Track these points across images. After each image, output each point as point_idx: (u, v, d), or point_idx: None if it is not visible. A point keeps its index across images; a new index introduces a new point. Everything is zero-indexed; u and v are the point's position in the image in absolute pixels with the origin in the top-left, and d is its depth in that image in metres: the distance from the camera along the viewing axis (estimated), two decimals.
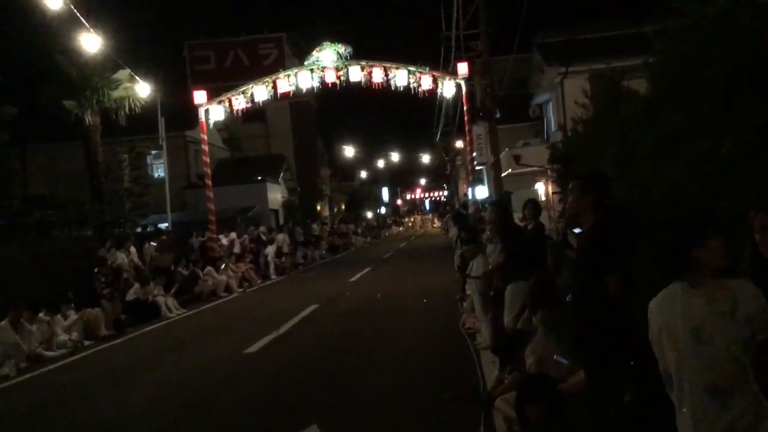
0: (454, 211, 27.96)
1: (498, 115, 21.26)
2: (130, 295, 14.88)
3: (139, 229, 22.77)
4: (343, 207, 63.97)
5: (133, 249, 17.32)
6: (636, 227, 4.62)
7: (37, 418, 7.64)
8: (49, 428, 7.18)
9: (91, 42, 17.89)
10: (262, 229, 26.82)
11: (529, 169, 23.21)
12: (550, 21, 26.74)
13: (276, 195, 38.42)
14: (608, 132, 7.33)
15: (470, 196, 26.82)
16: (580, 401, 4.58)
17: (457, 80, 21.42)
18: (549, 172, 18.02)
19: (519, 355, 6.20)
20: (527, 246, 7.19)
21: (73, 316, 12.46)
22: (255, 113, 30.48)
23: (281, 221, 36.19)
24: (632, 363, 4.09)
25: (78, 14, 15.29)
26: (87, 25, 16.34)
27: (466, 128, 22.65)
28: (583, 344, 4.59)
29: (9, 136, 17.49)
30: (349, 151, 61.26)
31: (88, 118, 21.21)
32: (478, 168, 26.81)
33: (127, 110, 21.68)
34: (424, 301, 8.30)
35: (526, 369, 5.84)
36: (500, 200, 9.37)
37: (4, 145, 17.49)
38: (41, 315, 11.63)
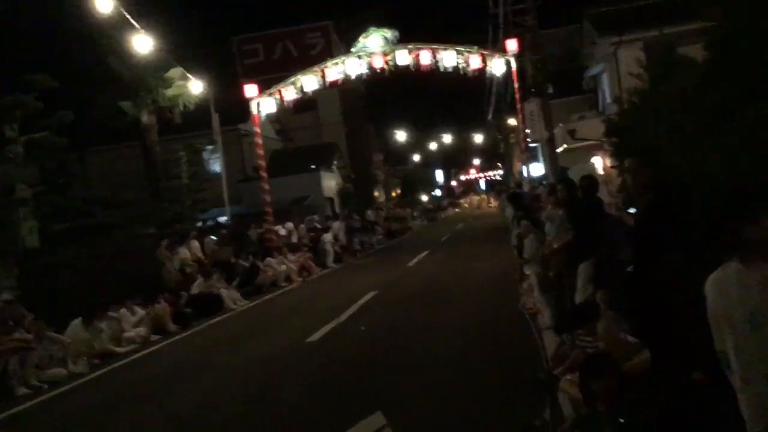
0: (510, 190, 27.63)
1: (550, 90, 20.89)
2: (194, 289, 15.20)
3: (199, 224, 23.24)
4: (398, 191, 63.95)
5: (195, 243, 17.67)
6: (690, 203, 4.49)
7: (112, 413, 7.89)
8: (123, 423, 7.39)
9: (142, 43, 18.25)
10: (315, 217, 27.02)
11: (584, 144, 22.74)
12: None
13: (330, 183, 38.65)
14: (663, 103, 7.11)
15: (525, 174, 26.48)
16: (648, 379, 4.48)
17: (507, 57, 21.10)
18: (605, 145, 17.66)
19: (582, 332, 6.10)
20: (598, 224, 6.98)
21: (140, 312, 12.81)
22: (305, 103, 30.64)
23: (337, 209, 36.42)
24: (694, 341, 3.96)
25: (128, 16, 15.57)
26: (137, 26, 16.65)
27: (518, 106, 22.33)
28: (645, 322, 4.48)
29: (68, 141, 17.99)
30: (400, 136, 61.13)
31: (144, 118, 21.73)
32: (532, 145, 26.45)
33: (181, 108, 22.12)
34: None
35: (592, 347, 5.75)
36: (569, 178, 9.14)
37: (63, 150, 18.00)
38: (110, 312, 11.99)
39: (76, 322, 11.03)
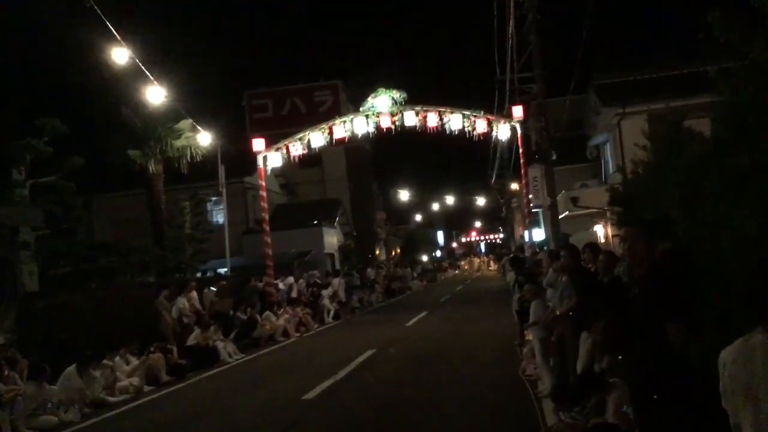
0: (512, 254, 27.64)
1: (554, 157, 21.09)
2: (191, 340, 15.08)
3: (199, 275, 23.19)
4: (399, 250, 63.93)
5: (194, 294, 17.60)
6: (699, 272, 4.48)
7: None
8: None
9: (155, 94, 18.55)
10: (316, 273, 26.98)
11: (587, 211, 22.86)
12: (606, 61, 26.56)
13: (332, 239, 38.68)
14: (671, 174, 7.19)
15: (527, 239, 26.52)
16: None
17: (512, 123, 21.41)
18: (608, 214, 17.74)
19: (583, 402, 6.04)
20: (601, 292, 6.98)
21: (134, 361, 12.67)
22: (311, 159, 31.00)
23: (337, 265, 36.36)
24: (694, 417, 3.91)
25: (143, 67, 15.88)
26: (152, 78, 16.95)
27: (522, 171, 22.54)
28: (638, 394, 4.43)
29: (75, 186, 18.13)
30: (403, 195, 61.46)
31: (152, 167, 21.94)
32: (534, 210, 26.55)
33: (188, 158, 22.33)
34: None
35: (591, 416, 5.69)
36: (573, 245, 9.15)
37: (71, 194, 18.11)
38: (105, 361, 11.87)
39: (71, 369, 10.89)
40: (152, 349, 13.39)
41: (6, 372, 10.52)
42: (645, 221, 4.68)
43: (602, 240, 21.64)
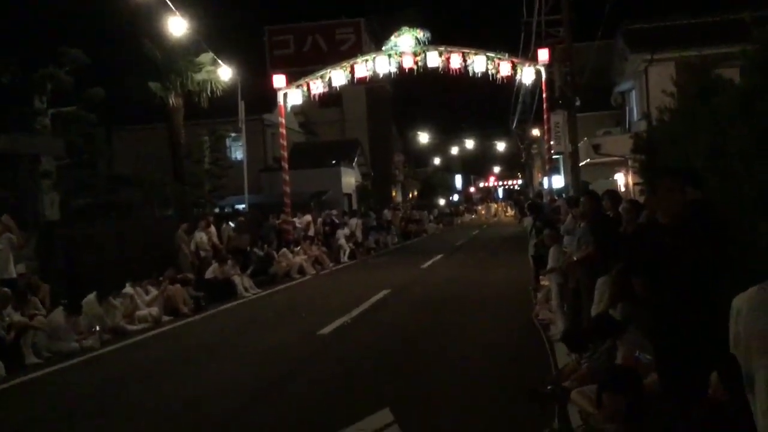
0: (530, 200, 27.54)
1: (578, 103, 20.77)
2: (209, 274, 15.28)
3: (217, 210, 23.34)
4: (416, 193, 63.91)
5: (212, 229, 17.75)
6: (723, 224, 4.42)
7: (117, 391, 7.90)
8: (127, 402, 7.41)
9: (177, 26, 18.37)
10: (334, 212, 27.08)
11: (608, 159, 22.63)
12: (635, 6, 25.85)
13: (350, 179, 38.68)
14: (698, 123, 7.04)
15: (546, 186, 26.37)
16: (661, 398, 4.45)
17: (537, 67, 21.04)
18: (630, 162, 17.53)
19: (596, 346, 6.06)
20: (620, 238, 6.93)
21: (153, 292, 12.88)
22: (331, 98, 30.77)
23: (354, 206, 36.44)
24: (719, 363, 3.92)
25: None
26: (173, 8, 16.75)
27: (545, 116, 22.28)
28: (664, 342, 4.42)
29: (96, 118, 18.13)
30: (423, 138, 61.07)
31: (172, 101, 21.86)
32: (555, 157, 26.34)
33: (208, 93, 22.22)
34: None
35: (603, 360, 5.72)
36: (594, 191, 9.09)
37: (91, 125, 18.14)
38: (125, 290, 12.08)
39: (91, 297, 11.08)
40: (174, 276, 13.59)
41: (28, 297, 10.77)
42: (678, 172, 4.58)
43: (623, 189, 21.47)
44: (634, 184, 18.29)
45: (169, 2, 16.19)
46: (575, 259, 8.01)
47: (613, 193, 8.72)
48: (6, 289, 10.23)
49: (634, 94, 25.24)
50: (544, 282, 11.14)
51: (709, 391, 3.36)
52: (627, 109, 26.69)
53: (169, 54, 21.34)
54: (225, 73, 22.31)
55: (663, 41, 20.93)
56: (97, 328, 10.57)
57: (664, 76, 14.10)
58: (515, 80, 21.75)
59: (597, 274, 7.19)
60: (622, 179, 23.02)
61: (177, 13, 17.44)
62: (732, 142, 5.63)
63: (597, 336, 5.87)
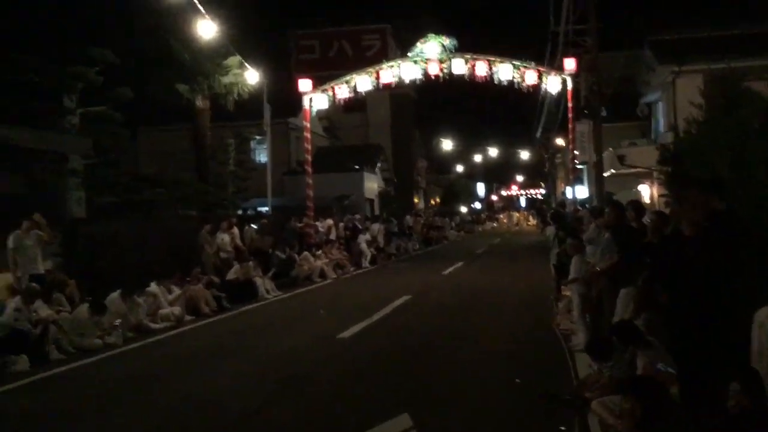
0: (553, 209, 27.42)
1: (603, 113, 20.67)
2: (231, 275, 15.37)
3: (240, 212, 23.49)
4: (438, 200, 63.85)
5: (235, 230, 17.88)
6: (746, 234, 4.40)
7: (138, 387, 7.98)
8: (147, 399, 7.47)
9: (206, 28, 18.56)
10: (357, 217, 27.15)
11: (632, 171, 22.47)
12: (664, 17, 25.67)
13: (372, 184, 38.76)
14: (725, 135, 7.00)
15: (569, 196, 26.24)
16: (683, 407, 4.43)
17: (563, 76, 20.97)
18: (656, 174, 17.40)
19: (619, 356, 6.03)
20: (644, 249, 6.89)
21: (176, 291, 13.00)
22: (355, 103, 30.88)
23: (376, 211, 36.52)
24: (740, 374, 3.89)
25: (196, 1, 15.85)
26: (203, 11, 16.93)
27: (570, 125, 22.17)
28: (684, 352, 4.40)
29: (123, 117, 18.36)
30: (446, 144, 60.98)
31: (199, 102, 22.07)
32: (579, 167, 26.21)
33: (235, 96, 22.40)
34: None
35: (625, 370, 5.70)
36: (619, 202, 9.04)
37: (118, 125, 18.36)
38: (150, 288, 12.21)
39: (115, 295, 11.22)
40: (199, 275, 13.73)
41: (54, 294, 10.93)
42: (704, 182, 4.56)
43: (647, 200, 21.30)
44: (659, 195, 18.12)
45: (198, 5, 16.34)
46: (598, 269, 7.98)
47: (636, 204, 8.67)
48: (35, 284, 10.38)
49: (660, 106, 25.06)
50: (566, 292, 11.08)
51: (730, 402, 3.36)
52: (653, 120, 26.50)
53: (197, 56, 21.56)
54: (251, 76, 22.49)
55: (691, 53, 20.77)
56: (119, 322, 10.68)
57: (691, 88, 14.00)
58: (541, 89, 21.66)
59: (620, 284, 7.16)
60: (646, 191, 22.84)
61: (206, 15, 17.62)
62: (755, 152, 5.60)
63: (619, 341, 5.84)
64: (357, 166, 36.51)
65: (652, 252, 5.97)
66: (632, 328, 5.78)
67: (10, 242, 11.32)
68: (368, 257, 23.66)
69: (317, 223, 23.21)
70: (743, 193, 5.52)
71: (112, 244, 14.88)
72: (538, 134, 48.64)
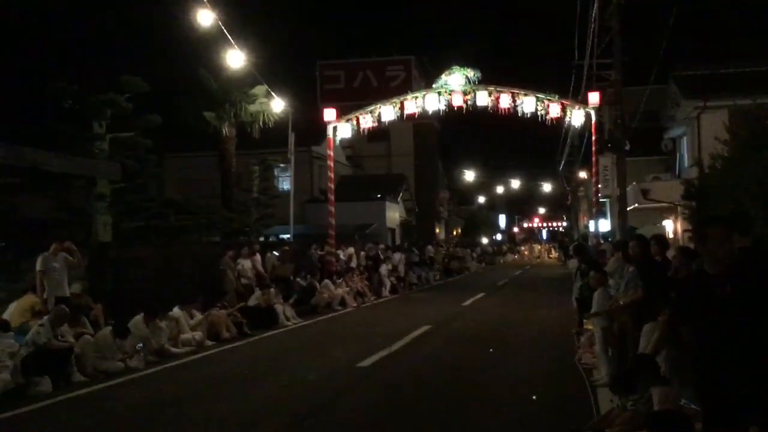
0: (575, 242, 27.28)
1: (627, 147, 20.64)
2: (252, 301, 15.44)
3: (262, 239, 23.65)
4: (459, 230, 63.72)
5: (257, 257, 18.00)
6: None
7: (158, 411, 8.02)
8: (167, 422, 7.52)
9: (234, 58, 18.90)
10: (380, 246, 27.20)
11: (656, 205, 22.37)
12: (688, 52, 25.79)
13: (394, 214, 38.83)
14: (751, 171, 6.99)
15: (591, 229, 26.11)
16: None
17: (587, 109, 20.99)
18: (680, 209, 17.30)
19: (636, 397, 5.98)
20: (668, 283, 6.85)
21: (198, 316, 13.09)
22: (379, 133, 31.13)
23: (398, 240, 36.53)
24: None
25: (225, 31, 16.19)
26: (232, 40, 17.26)
27: (593, 159, 22.13)
28: (708, 391, 4.34)
29: (151, 143, 18.68)
30: (468, 175, 61.05)
31: (225, 130, 22.40)
32: (602, 200, 26.10)
33: (260, 124, 22.70)
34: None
35: (649, 405, 5.64)
36: (643, 235, 9.01)
37: (146, 151, 18.67)
38: (173, 312, 12.31)
39: (138, 318, 11.32)
40: (219, 305, 13.85)
41: (79, 317, 11.05)
42: (729, 219, 4.54)
43: (671, 235, 21.15)
44: (684, 230, 18.01)
45: (227, 34, 16.68)
46: (621, 303, 7.94)
47: (660, 238, 8.64)
48: (64, 306, 10.50)
49: (685, 140, 24.98)
50: (588, 325, 11.00)
51: None
52: (677, 155, 26.40)
53: (224, 85, 21.93)
54: (277, 105, 22.80)
55: (716, 88, 20.75)
56: (141, 345, 10.76)
57: (716, 124, 13.98)
58: (564, 122, 21.70)
59: (643, 319, 7.11)
60: (670, 226, 22.69)
61: (235, 45, 17.96)
62: None
63: (639, 375, 5.79)
64: (379, 196, 36.65)
65: (676, 288, 5.93)
66: (649, 363, 5.73)
67: (39, 264, 11.49)
68: (388, 286, 23.66)
69: (339, 252, 23.29)
70: None
71: (136, 268, 15.04)
72: (561, 167, 48.60)
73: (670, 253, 8.22)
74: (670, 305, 6.18)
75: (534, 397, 8.27)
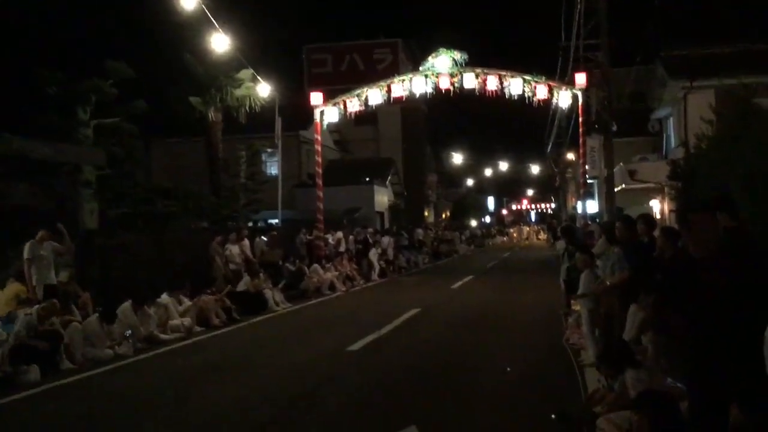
0: (563, 224, 27.37)
1: (614, 128, 20.67)
2: (241, 287, 15.43)
3: (251, 224, 23.58)
4: (448, 214, 63.83)
5: (246, 242, 17.96)
6: (756, 252, 4.39)
7: (147, 398, 8.03)
8: (156, 409, 7.52)
9: (220, 42, 18.74)
10: (369, 230, 27.19)
11: (643, 186, 22.45)
12: (675, 33, 25.75)
13: (383, 198, 38.82)
14: (737, 151, 7.01)
15: (579, 210, 26.18)
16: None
17: (574, 91, 20.97)
18: (666, 189, 17.38)
19: (620, 376, 6.02)
20: (654, 264, 6.88)
21: (187, 302, 13.07)
22: (366, 117, 31.00)
23: (386, 224, 36.55)
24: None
25: (209, 15, 16.03)
26: (217, 25, 17.11)
27: (581, 140, 22.11)
28: (695, 372, 4.38)
29: (137, 129, 18.53)
30: (456, 158, 61.07)
31: (212, 115, 22.24)
32: (589, 182, 26.16)
33: (247, 109, 22.55)
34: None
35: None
36: (629, 216, 9.04)
37: (132, 137, 18.53)
38: (161, 299, 12.27)
39: (126, 305, 11.28)
40: (209, 291, 13.83)
41: (69, 304, 11.00)
42: (714, 202, 4.54)
43: (658, 215, 21.26)
44: (670, 210, 18.10)
45: (212, 18, 16.53)
46: (608, 284, 7.98)
47: (647, 218, 8.67)
48: (55, 300, 10.42)
49: (671, 121, 25.04)
50: (575, 306, 11.06)
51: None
52: (664, 135, 26.47)
53: (210, 69, 21.74)
54: (264, 89, 22.65)
55: (702, 69, 20.75)
56: (129, 332, 10.73)
57: (703, 104, 14.01)
58: (551, 104, 21.67)
59: (630, 300, 7.16)
60: (657, 206, 22.81)
61: (219, 29, 17.80)
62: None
63: (621, 364, 5.84)
64: (367, 180, 36.61)
65: (662, 270, 5.96)
66: (622, 347, 5.80)
67: (26, 252, 11.38)
68: (377, 270, 23.69)
69: (327, 236, 23.27)
70: (757, 211, 5.52)
71: (123, 255, 14.98)
72: (549, 149, 48.65)
73: (657, 233, 8.26)
74: (655, 290, 6.24)
75: (522, 378, 8.33)
